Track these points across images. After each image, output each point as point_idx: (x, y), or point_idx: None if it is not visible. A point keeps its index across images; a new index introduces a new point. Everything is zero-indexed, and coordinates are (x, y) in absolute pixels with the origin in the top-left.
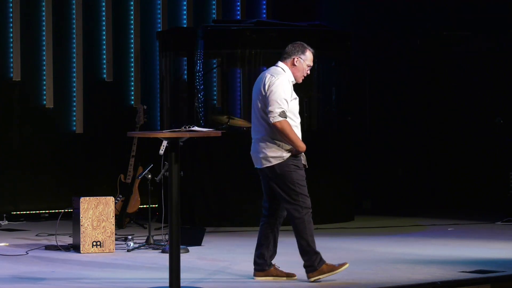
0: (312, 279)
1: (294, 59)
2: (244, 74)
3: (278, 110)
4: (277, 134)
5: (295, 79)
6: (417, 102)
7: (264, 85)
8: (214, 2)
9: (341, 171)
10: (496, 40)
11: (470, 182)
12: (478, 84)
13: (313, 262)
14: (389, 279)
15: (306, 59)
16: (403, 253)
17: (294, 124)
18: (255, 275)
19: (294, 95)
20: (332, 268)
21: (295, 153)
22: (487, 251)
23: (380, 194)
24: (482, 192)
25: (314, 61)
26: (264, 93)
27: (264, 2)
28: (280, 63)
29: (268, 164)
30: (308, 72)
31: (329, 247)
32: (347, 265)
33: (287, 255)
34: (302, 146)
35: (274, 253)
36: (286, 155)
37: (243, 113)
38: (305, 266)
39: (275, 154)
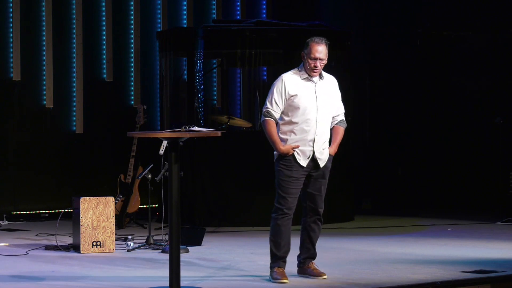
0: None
1: (302, 55)
2: (244, 74)
3: (263, 110)
4: None
5: (308, 75)
6: (417, 102)
7: None
8: (214, 2)
9: (341, 171)
10: (496, 40)
11: (470, 182)
12: (478, 84)
13: (271, 261)
14: (389, 279)
15: (308, 52)
16: (403, 253)
17: (292, 120)
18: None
19: (299, 91)
20: (281, 275)
21: (281, 153)
22: (487, 251)
23: (380, 194)
24: (482, 192)
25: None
26: None
27: (264, 2)
28: None
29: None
30: (317, 64)
31: (329, 247)
32: (286, 282)
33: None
34: (281, 149)
35: (305, 252)
36: (277, 153)
37: (243, 113)
38: None
39: (274, 151)
